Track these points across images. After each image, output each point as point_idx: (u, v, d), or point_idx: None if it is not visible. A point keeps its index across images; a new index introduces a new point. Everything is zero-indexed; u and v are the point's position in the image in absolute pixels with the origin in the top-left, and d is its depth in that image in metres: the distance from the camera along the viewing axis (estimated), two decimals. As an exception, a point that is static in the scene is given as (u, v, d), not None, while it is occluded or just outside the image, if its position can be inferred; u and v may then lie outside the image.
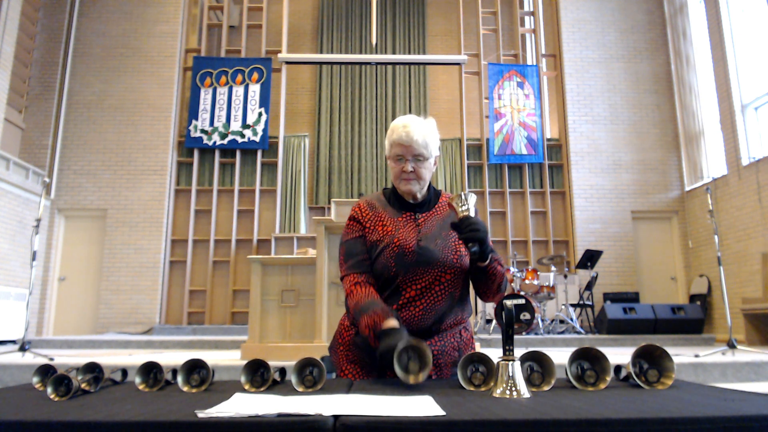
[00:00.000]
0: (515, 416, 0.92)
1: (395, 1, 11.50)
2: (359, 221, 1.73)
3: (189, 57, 9.65)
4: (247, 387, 1.30)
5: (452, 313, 1.68)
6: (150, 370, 1.36)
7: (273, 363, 1.48)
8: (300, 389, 1.27)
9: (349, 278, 1.67)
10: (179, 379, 1.32)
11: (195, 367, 1.34)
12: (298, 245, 8.98)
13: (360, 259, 1.67)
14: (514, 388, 1.16)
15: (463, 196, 1.58)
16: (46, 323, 8.52)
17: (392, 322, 1.49)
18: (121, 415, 0.95)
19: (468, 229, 1.52)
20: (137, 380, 1.34)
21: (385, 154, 1.77)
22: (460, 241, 1.64)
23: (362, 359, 1.67)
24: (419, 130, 1.68)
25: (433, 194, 1.78)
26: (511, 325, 1.22)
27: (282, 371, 1.49)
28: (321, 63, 10.92)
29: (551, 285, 7.14)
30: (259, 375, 1.34)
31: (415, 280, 1.63)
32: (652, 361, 1.33)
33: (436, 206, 1.75)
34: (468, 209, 1.56)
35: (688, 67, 8.93)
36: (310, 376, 1.30)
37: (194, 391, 1.29)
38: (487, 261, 1.61)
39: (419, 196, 1.72)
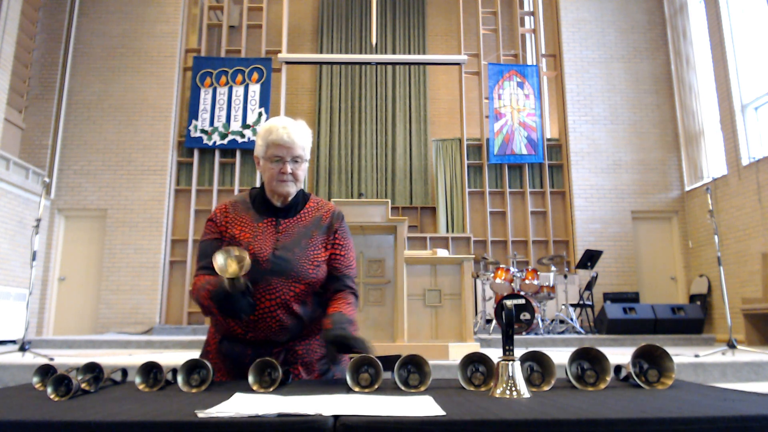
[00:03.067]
0: (515, 416, 0.92)
1: (395, 1, 11.50)
2: (216, 223, 1.69)
3: (189, 57, 9.65)
4: (255, 387, 1.30)
5: (315, 317, 1.65)
6: (150, 370, 1.36)
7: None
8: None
9: (198, 278, 1.65)
10: (179, 379, 1.32)
11: (195, 367, 1.35)
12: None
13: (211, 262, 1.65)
14: (514, 388, 1.16)
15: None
16: (46, 323, 8.52)
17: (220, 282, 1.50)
18: (121, 415, 0.95)
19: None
20: (137, 380, 1.34)
21: (257, 154, 1.71)
22: (319, 251, 1.64)
23: (227, 365, 1.65)
24: (298, 131, 1.67)
25: (301, 198, 1.73)
26: (511, 325, 1.22)
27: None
28: (321, 63, 10.92)
29: (551, 285, 7.14)
30: (267, 375, 1.34)
31: (269, 290, 1.58)
32: (652, 361, 1.32)
33: (302, 212, 1.71)
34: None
35: (688, 67, 8.93)
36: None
37: (194, 391, 1.29)
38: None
39: (290, 198, 1.69)
